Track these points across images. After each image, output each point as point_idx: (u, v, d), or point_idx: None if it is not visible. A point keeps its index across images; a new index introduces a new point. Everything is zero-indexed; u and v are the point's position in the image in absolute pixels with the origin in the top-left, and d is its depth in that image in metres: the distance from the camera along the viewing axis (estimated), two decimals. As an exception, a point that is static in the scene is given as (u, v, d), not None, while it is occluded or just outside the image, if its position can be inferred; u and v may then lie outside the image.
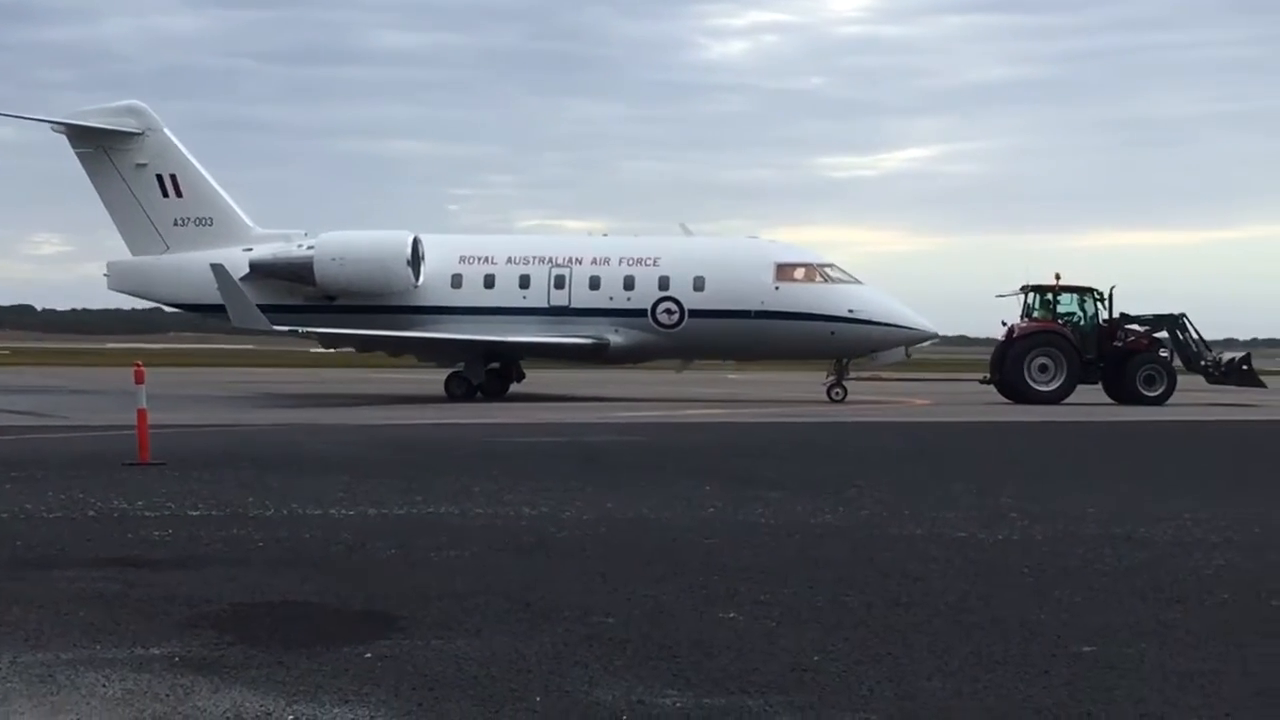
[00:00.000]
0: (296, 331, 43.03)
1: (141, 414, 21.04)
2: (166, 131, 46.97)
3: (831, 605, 10.57)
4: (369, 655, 8.77)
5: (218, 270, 42.08)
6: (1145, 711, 7.74)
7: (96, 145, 46.53)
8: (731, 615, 10.15)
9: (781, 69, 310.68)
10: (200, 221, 46.59)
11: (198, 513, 15.21)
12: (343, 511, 15.46)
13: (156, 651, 8.83)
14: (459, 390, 44.41)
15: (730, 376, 65.64)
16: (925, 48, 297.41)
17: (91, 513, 15.17)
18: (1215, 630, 9.86)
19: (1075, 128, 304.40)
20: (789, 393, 51.27)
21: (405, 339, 44.96)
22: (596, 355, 45.97)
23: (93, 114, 46.99)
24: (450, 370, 45.52)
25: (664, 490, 17.79)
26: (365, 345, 47.15)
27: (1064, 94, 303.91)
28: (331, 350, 52.69)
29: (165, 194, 46.52)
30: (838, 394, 45.09)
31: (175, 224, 46.56)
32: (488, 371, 45.42)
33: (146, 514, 15.05)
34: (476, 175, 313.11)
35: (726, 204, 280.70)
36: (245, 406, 38.76)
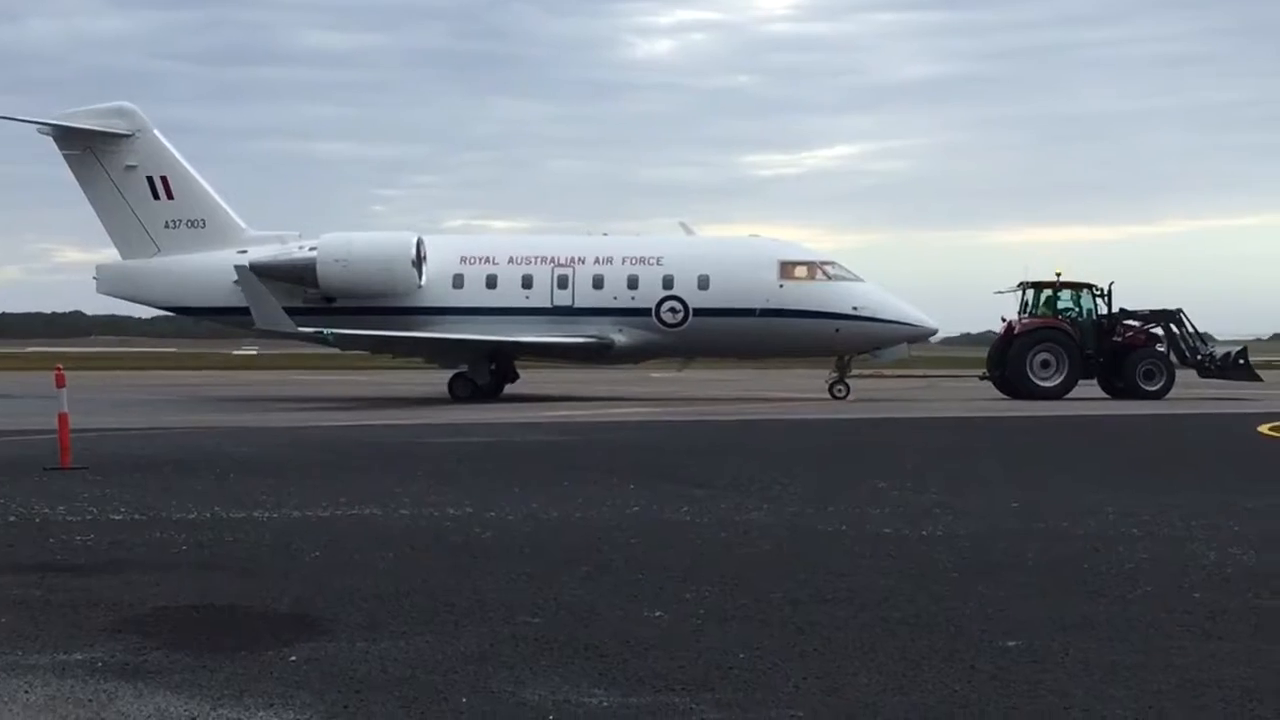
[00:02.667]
0: (321, 333, 42.60)
1: (63, 418, 20.87)
2: (156, 133, 46.61)
3: (757, 603, 10.58)
4: (294, 658, 8.73)
5: (242, 272, 42.10)
6: (1070, 704, 7.78)
7: (84, 147, 46.09)
8: (657, 614, 10.15)
9: (708, 67, 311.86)
10: (192, 223, 46.25)
11: (120, 517, 15.11)
12: (266, 514, 15.39)
13: (79, 657, 8.77)
14: (464, 392, 44.47)
15: (654, 375, 65.59)
16: (854, 45, 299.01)
17: (12, 518, 15.05)
18: (1138, 623, 9.92)
19: (1001, 124, 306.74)
20: (721, 390, 51.36)
21: (418, 339, 44.70)
22: (601, 355, 46.04)
23: (81, 115, 46.52)
24: (454, 371, 45.49)
25: (589, 490, 17.78)
26: (378, 346, 46.86)
27: (991, 91, 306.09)
28: (342, 351, 51.63)
29: (156, 196, 46.14)
30: (840, 391, 45.32)
31: (166, 226, 46.20)
32: None
33: (68, 519, 14.94)
34: (402, 176, 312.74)
35: (652, 202, 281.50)
36: (168, 410, 38.54)
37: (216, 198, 47.04)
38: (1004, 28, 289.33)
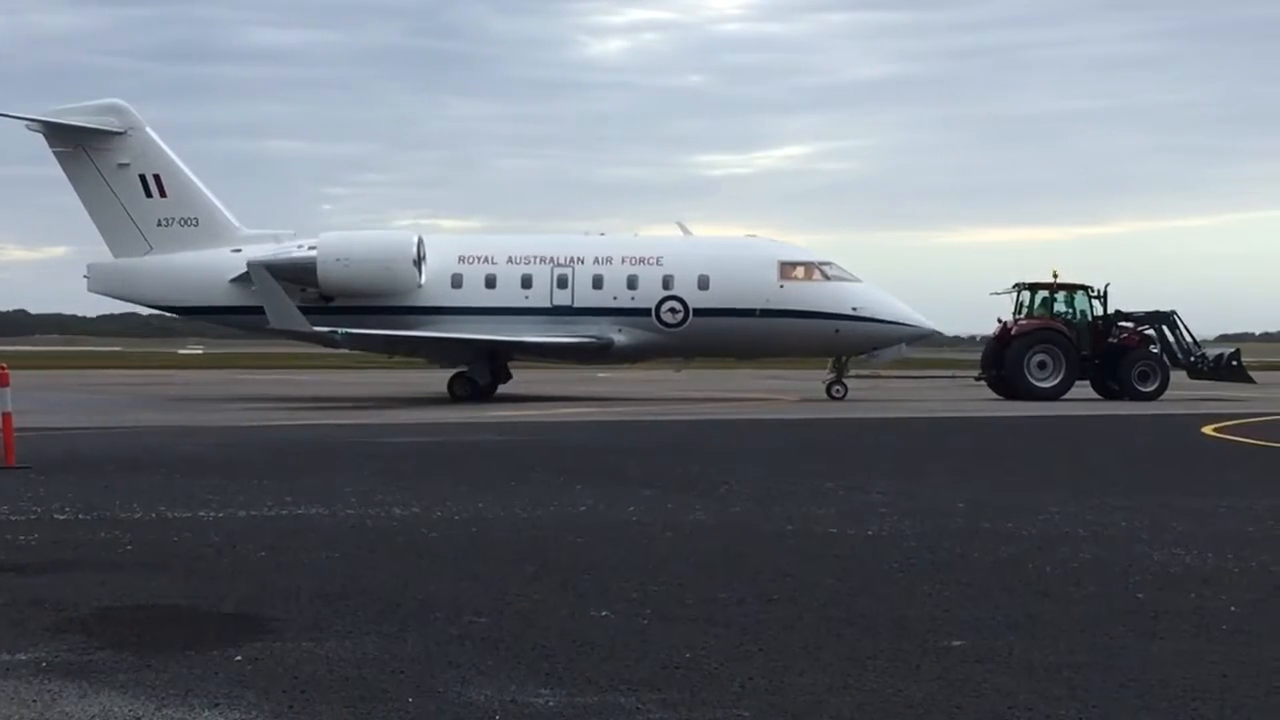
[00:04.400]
0: (335, 332, 42.31)
1: (6, 417, 20.75)
2: (149, 131, 46.26)
3: (703, 602, 10.59)
4: (239, 658, 8.70)
5: (256, 270, 41.86)
6: (1014, 704, 7.81)
7: (76, 144, 45.72)
8: (603, 614, 10.15)
9: (661, 67, 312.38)
10: (185, 222, 45.94)
11: (64, 516, 15.03)
12: (212, 513, 15.34)
13: (23, 657, 8.72)
14: (464, 391, 44.48)
15: (601, 375, 65.60)
16: (806, 45, 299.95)
17: (-44, 517, 14.96)
18: (1082, 623, 9.96)
19: (952, 125, 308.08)
20: (665, 391, 51.39)
21: (424, 339, 44.38)
22: (600, 355, 46.03)
23: (72, 112, 46.12)
24: (454, 371, 45.40)
25: (536, 489, 17.77)
26: (384, 345, 46.38)
27: (942, 91, 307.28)
28: (348, 351, 50.68)
29: (149, 194, 45.81)
30: (838, 391, 45.52)
31: (159, 224, 45.88)
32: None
33: (12, 518, 14.85)
34: (351, 174, 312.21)
35: (602, 202, 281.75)
36: (114, 409, 38.36)
37: (210, 196, 46.73)
38: (954, 28, 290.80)
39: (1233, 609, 10.57)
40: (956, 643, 9.27)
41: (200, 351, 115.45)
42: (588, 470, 20.47)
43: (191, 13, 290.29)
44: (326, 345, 46.80)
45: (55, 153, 46.02)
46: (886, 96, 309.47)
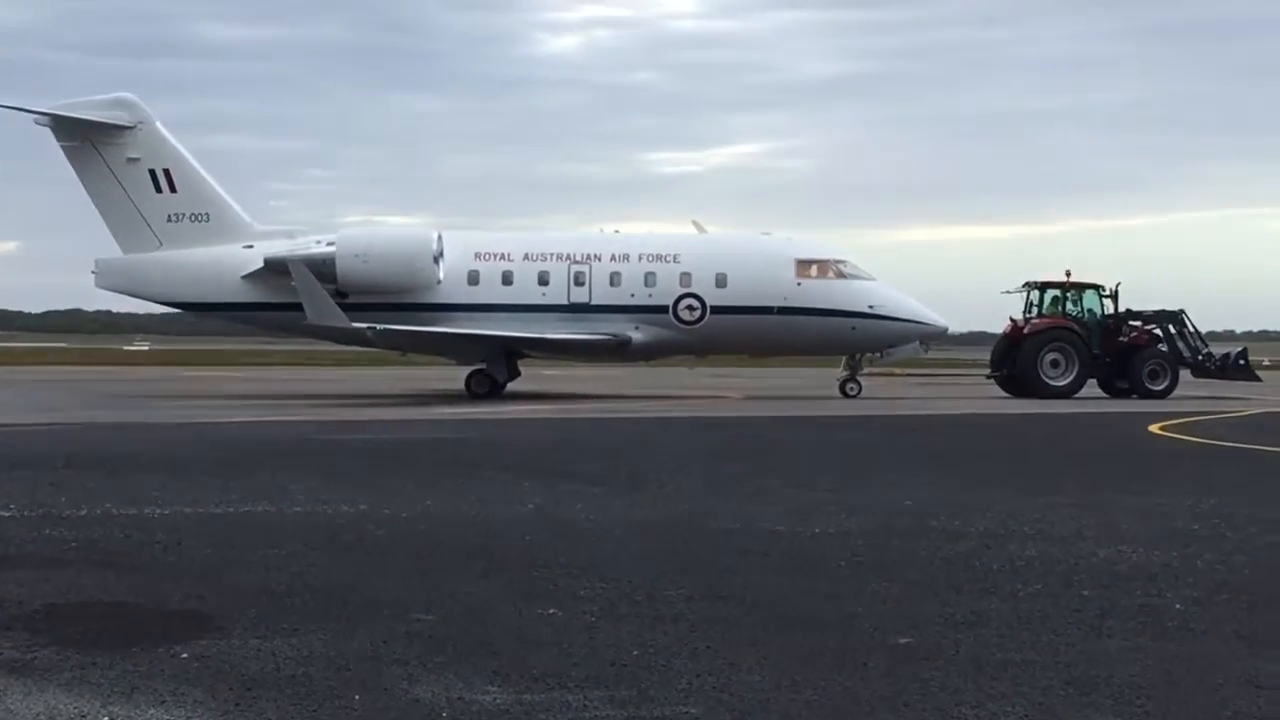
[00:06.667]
0: (373, 328, 41.94)
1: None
2: (159, 125, 45.78)
3: (650, 600, 10.59)
4: (185, 655, 8.66)
5: (297, 267, 41.48)
6: (961, 701, 7.83)
7: (84, 138, 45.17)
8: (551, 611, 10.15)
9: (613, 64, 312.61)
10: (196, 218, 45.38)
11: (9, 514, 14.94)
12: (158, 511, 15.26)
13: (-34, 655, 8.67)
14: (481, 388, 44.28)
15: (550, 372, 65.56)
16: (759, 43, 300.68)
17: (-101, 514, 14.86)
18: (1029, 620, 10.00)
19: (905, 123, 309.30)
20: (617, 387, 51.37)
21: (453, 335, 43.83)
22: (618, 352, 45.87)
23: (81, 105, 45.56)
24: (472, 368, 45.13)
25: (484, 487, 17.75)
26: (411, 342, 45.60)
27: (895, 89, 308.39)
28: (374, 348, 49.71)
29: (159, 189, 45.27)
30: (852, 389, 45.51)
31: (169, 220, 45.32)
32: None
33: (-44, 515, 14.76)
34: (299, 170, 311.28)
35: (552, 199, 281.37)
36: (59, 405, 38.12)
37: (221, 192, 46.23)
38: (906, 27, 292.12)
39: (1178, 606, 10.63)
40: (903, 640, 9.30)
41: (147, 348, 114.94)
42: (536, 468, 20.45)
43: (135, 7, 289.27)
44: (351, 343, 46.49)
45: (63, 147, 45.32)
46: (839, 95, 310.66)
